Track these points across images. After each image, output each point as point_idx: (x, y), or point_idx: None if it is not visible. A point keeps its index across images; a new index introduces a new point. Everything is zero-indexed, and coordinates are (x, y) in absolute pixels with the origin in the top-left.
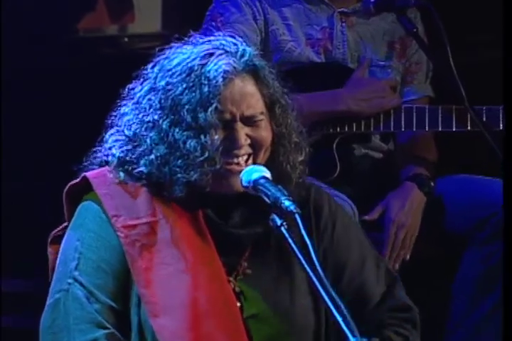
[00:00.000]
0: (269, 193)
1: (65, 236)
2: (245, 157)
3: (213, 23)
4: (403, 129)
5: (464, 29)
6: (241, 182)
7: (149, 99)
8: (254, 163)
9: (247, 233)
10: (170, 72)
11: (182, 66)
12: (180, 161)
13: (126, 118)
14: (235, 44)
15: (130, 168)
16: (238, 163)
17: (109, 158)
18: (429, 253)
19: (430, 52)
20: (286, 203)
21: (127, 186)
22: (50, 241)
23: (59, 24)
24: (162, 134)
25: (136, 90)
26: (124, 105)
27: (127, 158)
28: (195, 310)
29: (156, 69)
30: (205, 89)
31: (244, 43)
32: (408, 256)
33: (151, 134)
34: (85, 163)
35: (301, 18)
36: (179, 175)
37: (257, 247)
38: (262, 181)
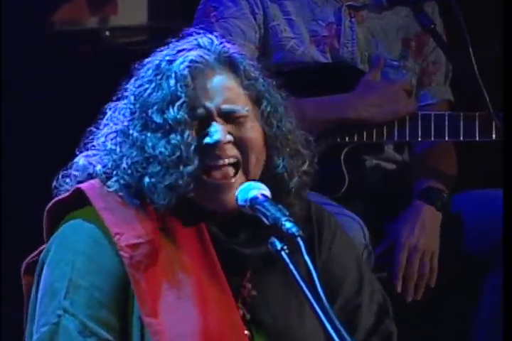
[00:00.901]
0: (267, 213)
1: (48, 262)
2: (232, 160)
3: (206, 19)
4: (420, 139)
5: (481, 23)
6: (236, 201)
7: (121, 109)
8: (246, 170)
9: (252, 252)
10: (140, 76)
11: (151, 66)
12: (153, 166)
13: (101, 133)
14: (210, 38)
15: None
16: (222, 170)
17: (91, 170)
18: (446, 275)
19: (450, 51)
20: (287, 225)
21: (123, 199)
22: (24, 270)
23: (30, 16)
24: (133, 141)
25: (112, 105)
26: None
27: (105, 172)
28: (206, 340)
29: (132, 79)
30: (172, 83)
31: (224, 40)
32: (433, 284)
33: (123, 143)
34: (55, 184)
35: (305, 12)
36: (153, 180)
37: (258, 267)
38: (259, 200)
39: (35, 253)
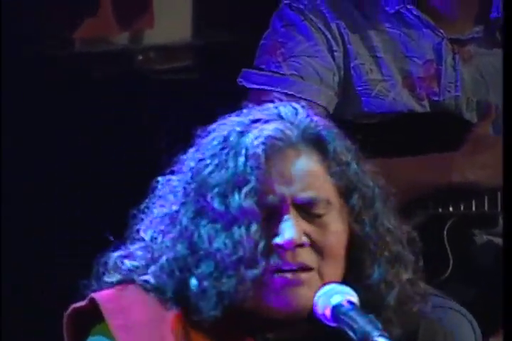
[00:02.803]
0: (355, 326)
1: None
2: (303, 266)
3: (270, 57)
4: None
5: None
6: (316, 309)
7: (173, 187)
8: (321, 276)
9: None
10: (202, 147)
11: (217, 136)
12: (206, 266)
13: (147, 219)
14: (294, 108)
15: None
16: (291, 271)
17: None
18: None
19: None
20: None
21: (152, 307)
22: None
23: (42, 33)
24: (181, 231)
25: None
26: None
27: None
28: None
29: (190, 149)
30: (241, 162)
31: (310, 111)
32: None
33: (167, 233)
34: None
35: (396, 48)
36: (205, 284)
37: None
38: (345, 308)
39: None
